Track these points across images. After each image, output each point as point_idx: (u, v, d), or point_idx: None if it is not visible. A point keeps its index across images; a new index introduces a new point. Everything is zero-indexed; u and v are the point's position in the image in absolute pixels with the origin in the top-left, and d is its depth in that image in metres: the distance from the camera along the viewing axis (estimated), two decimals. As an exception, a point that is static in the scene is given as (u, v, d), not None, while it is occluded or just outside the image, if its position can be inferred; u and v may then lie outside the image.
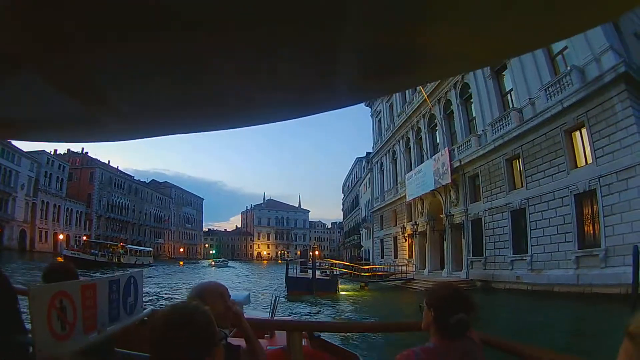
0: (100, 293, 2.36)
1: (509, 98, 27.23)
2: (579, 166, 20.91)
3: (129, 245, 65.53)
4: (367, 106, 58.15)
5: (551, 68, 23.08)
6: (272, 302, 6.67)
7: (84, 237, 70.81)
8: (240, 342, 2.42)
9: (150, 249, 78.20)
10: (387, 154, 49.96)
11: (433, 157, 34.53)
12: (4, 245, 56.24)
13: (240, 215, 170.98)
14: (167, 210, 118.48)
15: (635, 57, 20.48)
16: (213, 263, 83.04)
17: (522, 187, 24.44)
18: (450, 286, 2.32)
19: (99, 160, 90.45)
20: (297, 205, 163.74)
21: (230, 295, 2.40)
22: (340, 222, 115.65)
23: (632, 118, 17.83)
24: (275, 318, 5.66)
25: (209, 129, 2.34)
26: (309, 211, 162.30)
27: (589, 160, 20.13)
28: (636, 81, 18.56)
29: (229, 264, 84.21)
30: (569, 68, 21.06)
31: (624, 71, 18.00)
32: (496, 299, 22.38)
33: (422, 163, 37.26)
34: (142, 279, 2.92)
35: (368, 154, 62.31)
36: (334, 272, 35.53)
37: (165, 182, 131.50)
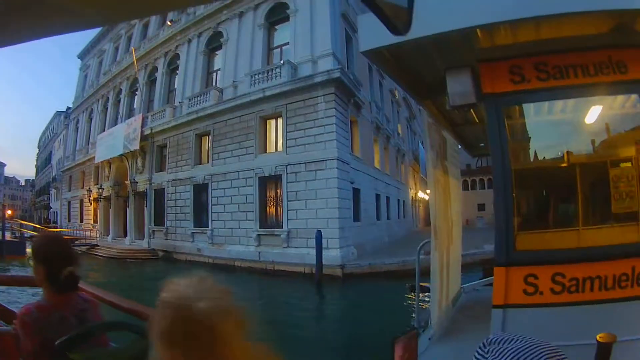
0: None
1: (214, 77, 26.48)
2: (268, 152, 21.37)
3: None
4: (79, 58, 51.53)
5: (265, 58, 22.97)
6: None
7: None
8: None
9: None
10: (85, 112, 44.89)
11: (127, 121, 32.09)
12: None
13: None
14: None
15: (357, 71, 22.30)
16: None
17: (208, 163, 24.01)
18: (58, 240, 2.29)
19: None
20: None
21: None
22: (33, 180, 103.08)
23: (334, 119, 18.88)
24: None
25: None
26: (5, 164, 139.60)
27: (280, 148, 20.69)
28: (346, 89, 19.87)
29: None
30: (282, 61, 21.19)
31: (338, 77, 18.83)
32: (171, 270, 21.41)
33: (115, 125, 34.46)
34: None
35: (68, 109, 55.51)
36: (24, 235, 32.71)
37: None
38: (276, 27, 23.41)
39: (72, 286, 2.09)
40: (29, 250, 28.00)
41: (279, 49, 23.03)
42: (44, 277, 2.05)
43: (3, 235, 28.06)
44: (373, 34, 3.38)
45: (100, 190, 35.02)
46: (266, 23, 23.36)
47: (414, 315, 4.80)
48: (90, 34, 46.77)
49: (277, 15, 22.86)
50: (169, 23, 31.01)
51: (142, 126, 29.03)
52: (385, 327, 8.07)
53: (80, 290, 2.22)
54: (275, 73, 21.19)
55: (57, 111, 66.90)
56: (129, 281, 18.60)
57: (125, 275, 20.82)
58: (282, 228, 19.70)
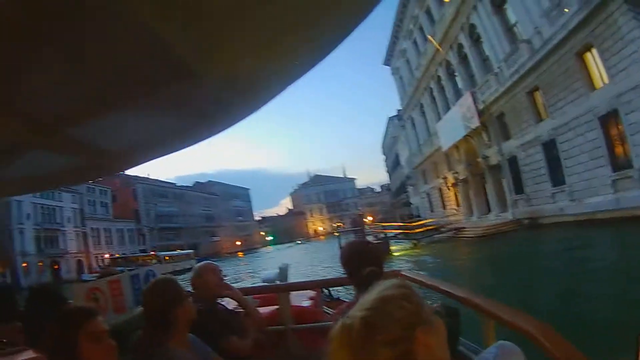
0: (125, 285, 3.11)
1: (516, 30, 25.72)
2: (597, 88, 19.36)
3: (161, 253, 60.85)
4: (385, 64, 56.68)
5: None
6: (282, 270, 6.93)
7: (106, 256, 67.98)
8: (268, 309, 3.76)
9: (190, 251, 68.48)
10: (415, 108, 48.65)
11: (457, 102, 33.48)
12: (64, 279, 54.17)
13: (289, 197, 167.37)
14: (215, 208, 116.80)
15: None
16: (300, 242, 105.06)
17: (547, 117, 23.11)
18: (357, 244, 2.76)
19: (138, 177, 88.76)
20: (342, 175, 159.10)
21: (221, 271, 3.13)
22: (388, 184, 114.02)
23: (638, 31, 16.34)
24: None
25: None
26: (355, 179, 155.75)
27: (605, 80, 18.63)
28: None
29: (302, 243, 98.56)
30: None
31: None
32: (540, 235, 22.03)
33: (448, 110, 36.21)
34: (159, 272, 3.58)
35: (399, 111, 60.77)
36: (386, 235, 35.39)
37: (209, 181, 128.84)
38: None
39: (372, 283, 2.31)
40: (392, 248, 30.57)
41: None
42: (348, 277, 2.41)
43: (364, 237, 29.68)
44: None
45: (456, 175, 37.37)
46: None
47: None
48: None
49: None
50: (446, 0, 31.48)
51: (474, 102, 29.91)
52: None
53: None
54: (565, 3, 19.57)
55: (389, 117, 73.73)
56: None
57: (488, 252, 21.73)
58: (633, 167, 17.50)
